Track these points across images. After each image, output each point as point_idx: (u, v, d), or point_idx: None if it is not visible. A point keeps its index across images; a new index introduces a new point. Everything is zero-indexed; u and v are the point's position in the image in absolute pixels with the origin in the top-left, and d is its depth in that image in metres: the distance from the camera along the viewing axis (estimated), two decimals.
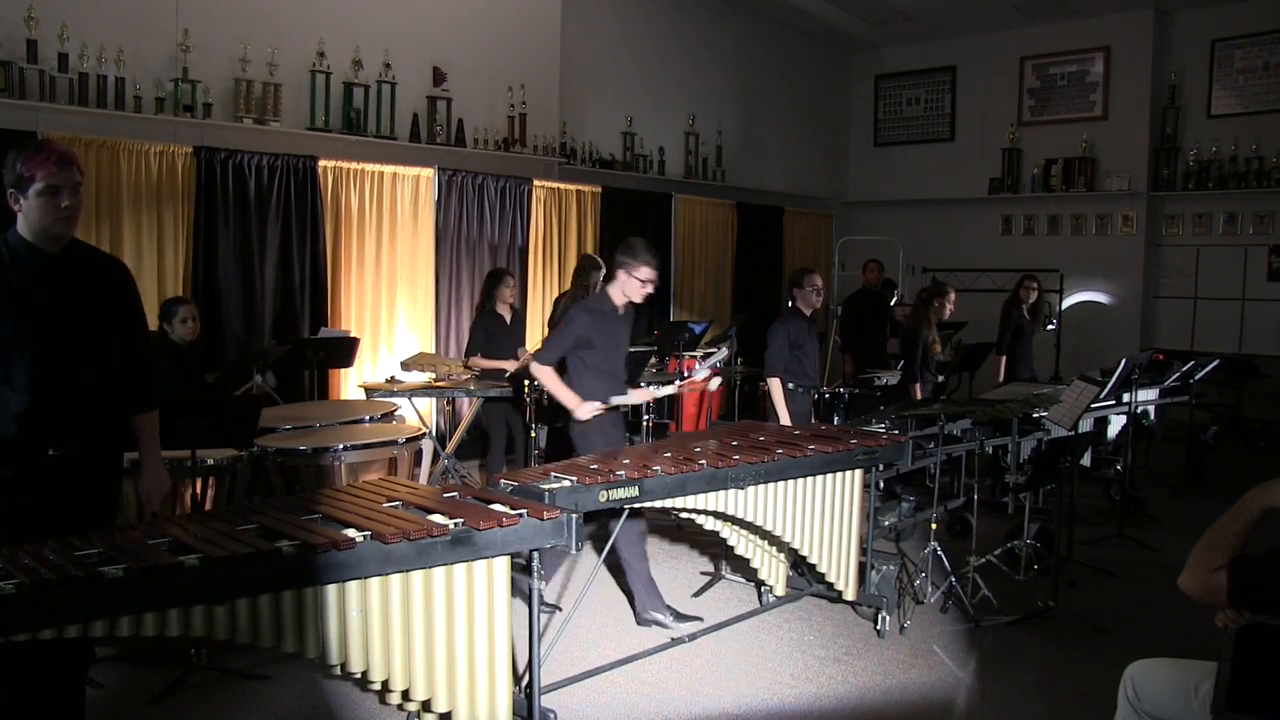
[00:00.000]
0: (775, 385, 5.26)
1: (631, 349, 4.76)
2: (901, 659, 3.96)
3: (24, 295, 2.68)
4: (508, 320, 6.27)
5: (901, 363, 6.64)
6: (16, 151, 2.69)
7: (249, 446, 4.25)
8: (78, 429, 2.77)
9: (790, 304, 5.55)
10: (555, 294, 8.10)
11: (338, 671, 2.55)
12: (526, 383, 5.25)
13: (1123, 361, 5.37)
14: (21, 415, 2.66)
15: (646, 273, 4.21)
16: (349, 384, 6.75)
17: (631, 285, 4.23)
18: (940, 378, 6.84)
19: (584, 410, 4.19)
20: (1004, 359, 7.29)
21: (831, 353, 9.00)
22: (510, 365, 5.99)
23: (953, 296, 6.44)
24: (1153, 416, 6.51)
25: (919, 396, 6.18)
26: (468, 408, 6.97)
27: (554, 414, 5.45)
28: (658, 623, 4.20)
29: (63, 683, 2.77)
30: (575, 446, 4.29)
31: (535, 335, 7.32)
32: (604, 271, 6.72)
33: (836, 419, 5.95)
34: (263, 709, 3.41)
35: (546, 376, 4.25)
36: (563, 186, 8.26)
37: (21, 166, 2.65)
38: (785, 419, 5.17)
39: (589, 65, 8.92)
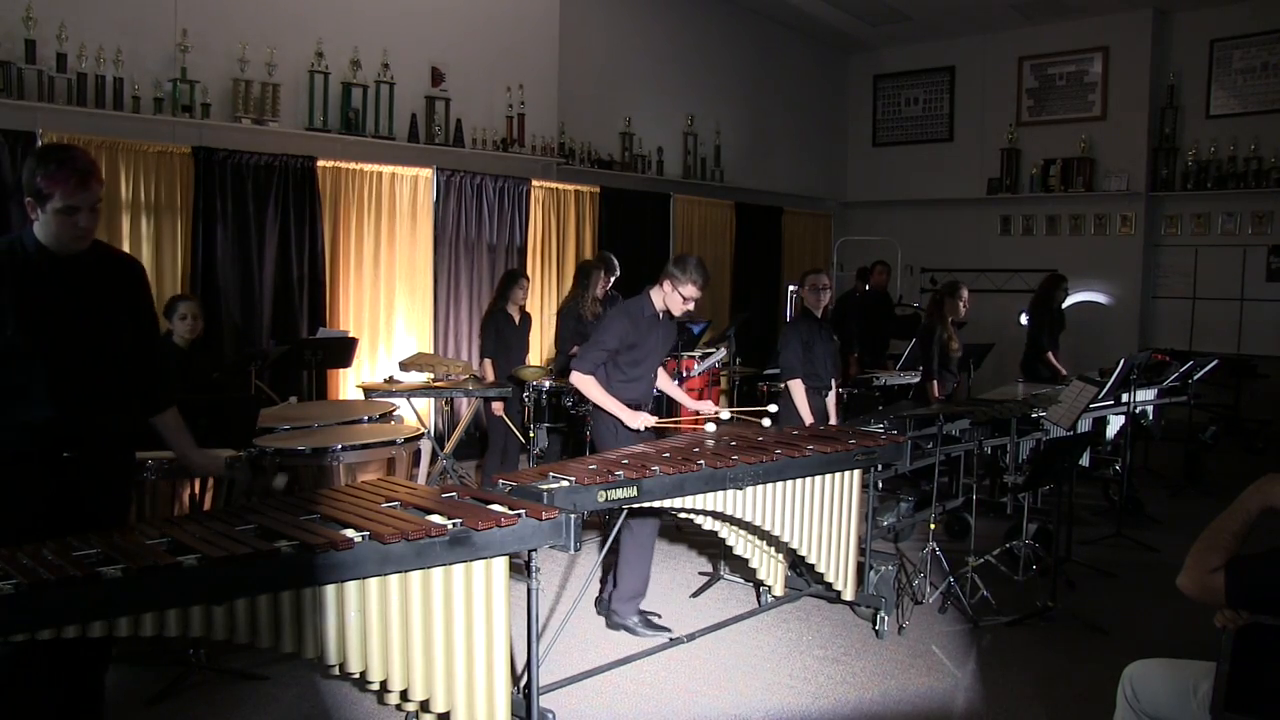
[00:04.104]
0: (796, 387, 5.26)
1: None
2: (900, 659, 3.96)
3: (39, 299, 2.62)
4: (516, 321, 6.28)
5: (900, 363, 6.64)
6: (37, 161, 2.60)
7: (248, 446, 4.24)
8: (94, 433, 2.73)
9: (801, 305, 5.58)
10: (554, 294, 8.10)
11: (336, 672, 2.54)
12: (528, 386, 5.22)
13: (1121, 361, 5.38)
14: (38, 425, 2.62)
15: (691, 290, 4.18)
16: (347, 384, 6.75)
17: (674, 298, 4.21)
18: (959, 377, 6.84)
19: (638, 421, 4.13)
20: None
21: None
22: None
23: (965, 294, 6.46)
24: (1151, 417, 6.51)
25: (938, 395, 6.19)
26: (466, 408, 6.97)
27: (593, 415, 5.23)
28: (627, 628, 4.13)
29: (82, 684, 2.76)
30: (598, 449, 4.24)
31: (537, 337, 7.31)
32: (604, 270, 6.72)
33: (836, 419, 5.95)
34: (262, 709, 3.41)
35: (589, 386, 4.15)
36: (561, 187, 8.26)
37: (41, 181, 2.56)
38: (807, 419, 5.16)
39: (588, 65, 8.91)
